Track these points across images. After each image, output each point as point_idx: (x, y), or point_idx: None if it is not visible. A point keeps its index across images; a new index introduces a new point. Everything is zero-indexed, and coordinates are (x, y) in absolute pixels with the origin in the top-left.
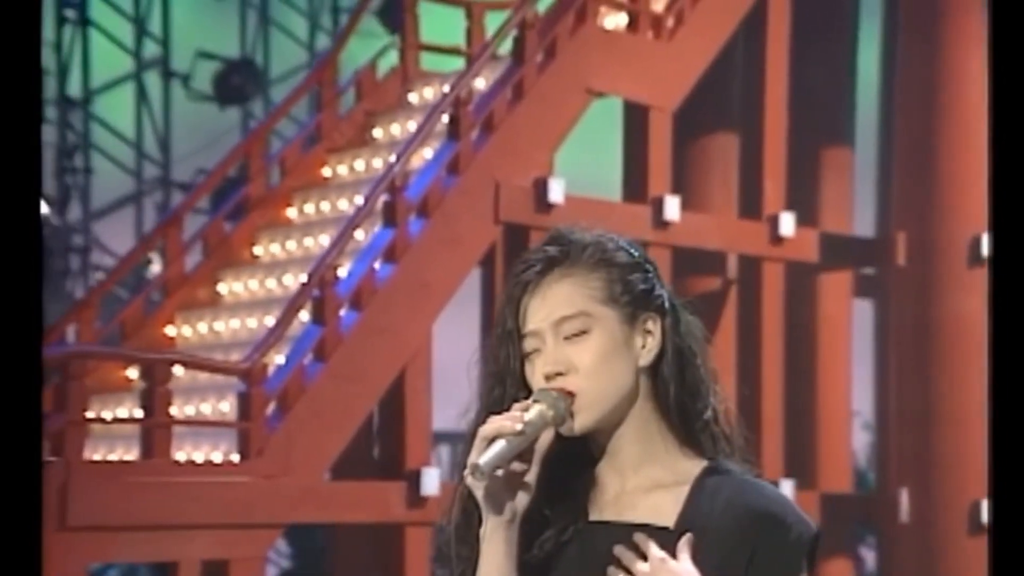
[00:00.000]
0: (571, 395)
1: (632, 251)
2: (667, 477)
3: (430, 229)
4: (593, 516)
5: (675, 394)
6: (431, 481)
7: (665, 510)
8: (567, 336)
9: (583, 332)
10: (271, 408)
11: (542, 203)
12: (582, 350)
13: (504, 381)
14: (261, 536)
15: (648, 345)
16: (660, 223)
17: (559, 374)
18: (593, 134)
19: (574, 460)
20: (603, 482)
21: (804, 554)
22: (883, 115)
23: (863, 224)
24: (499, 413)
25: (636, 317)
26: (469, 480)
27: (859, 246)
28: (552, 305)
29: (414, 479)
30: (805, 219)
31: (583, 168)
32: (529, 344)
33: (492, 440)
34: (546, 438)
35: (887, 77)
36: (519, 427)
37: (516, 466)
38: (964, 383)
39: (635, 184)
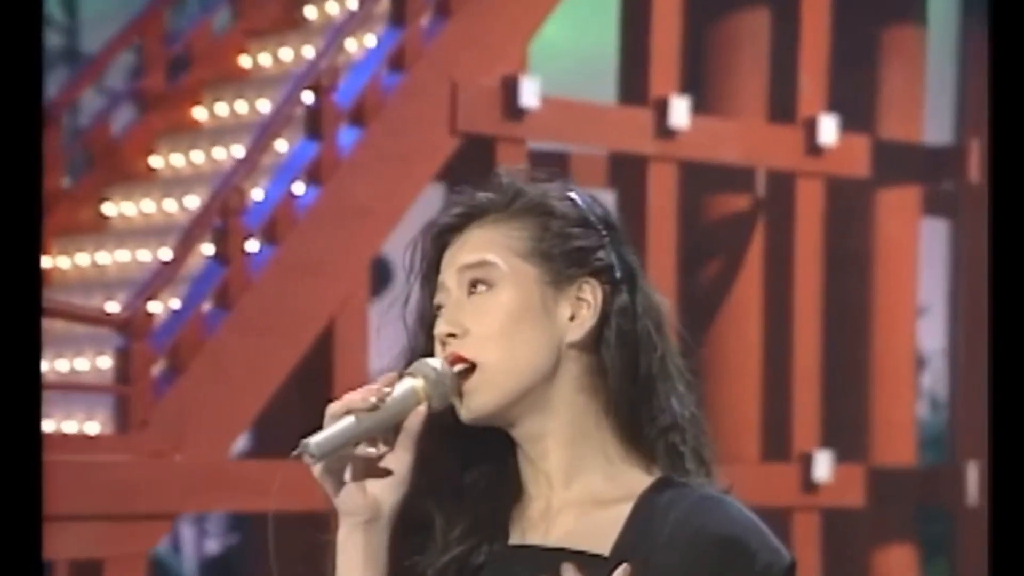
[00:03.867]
0: (470, 368)
1: (585, 205)
2: (607, 491)
3: (367, 142)
4: (514, 538)
5: (618, 386)
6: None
7: (602, 532)
8: (471, 290)
9: (487, 285)
10: (159, 368)
11: (512, 108)
12: (482, 308)
13: (413, 350)
14: (144, 529)
15: (580, 317)
16: (665, 131)
17: (452, 335)
18: (579, 19)
19: (491, 462)
20: (529, 493)
21: None
22: None
23: (939, 129)
24: None
25: (565, 278)
26: (310, 464)
27: (926, 156)
28: (458, 252)
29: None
30: (857, 123)
31: (566, 63)
32: (437, 298)
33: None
34: (416, 420)
35: None
36: (372, 400)
37: (370, 450)
38: None
39: (633, 82)
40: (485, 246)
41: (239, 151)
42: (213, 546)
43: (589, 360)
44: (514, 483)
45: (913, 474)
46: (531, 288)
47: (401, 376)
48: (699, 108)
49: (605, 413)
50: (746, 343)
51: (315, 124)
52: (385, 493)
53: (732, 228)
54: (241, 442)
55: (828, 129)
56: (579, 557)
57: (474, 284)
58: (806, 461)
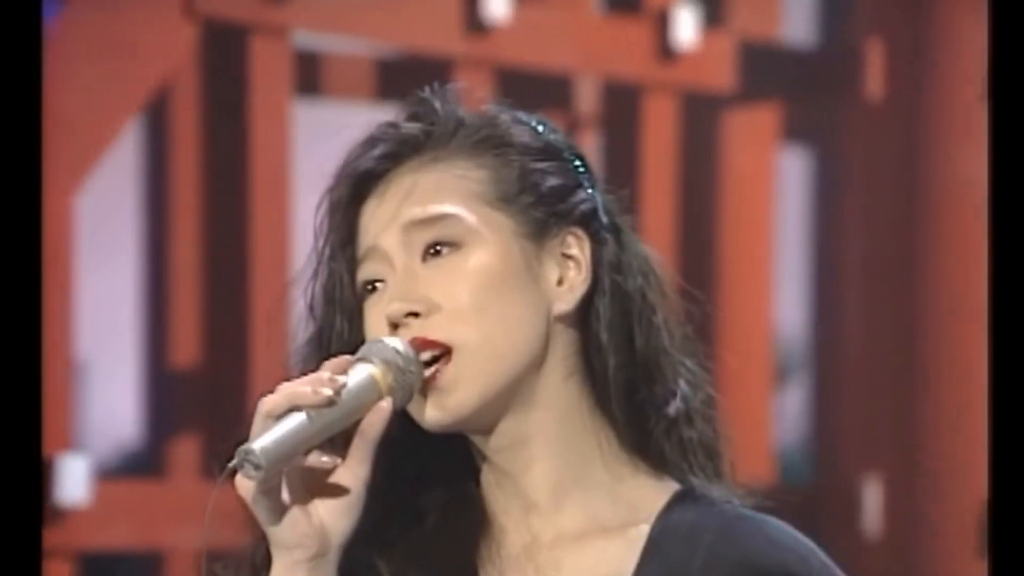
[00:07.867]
0: (441, 355)
1: (546, 132)
2: (610, 513)
3: (68, 27)
4: None
5: (617, 366)
6: (74, 478)
7: (612, 568)
8: (427, 254)
9: (453, 245)
10: None
11: None
12: (452, 275)
13: (327, 344)
14: None
15: (569, 279)
16: (476, 26)
17: (413, 315)
18: None
19: (448, 481)
20: (503, 524)
21: None
22: None
23: (796, 26)
24: None
25: (547, 230)
26: (238, 481)
27: (797, 63)
28: (401, 204)
29: (44, 476)
30: (710, 17)
31: None
32: (367, 271)
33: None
34: (377, 420)
35: None
36: (326, 393)
37: (325, 459)
38: (967, 291)
39: None
40: (435, 194)
41: None
42: None
43: (576, 335)
44: (477, 510)
45: (783, 494)
46: (509, 245)
47: (354, 362)
48: None
49: (600, 404)
50: None
51: None
52: (335, 519)
53: None
54: None
55: (685, 25)
56: None
57: (432, 247)
58: None
